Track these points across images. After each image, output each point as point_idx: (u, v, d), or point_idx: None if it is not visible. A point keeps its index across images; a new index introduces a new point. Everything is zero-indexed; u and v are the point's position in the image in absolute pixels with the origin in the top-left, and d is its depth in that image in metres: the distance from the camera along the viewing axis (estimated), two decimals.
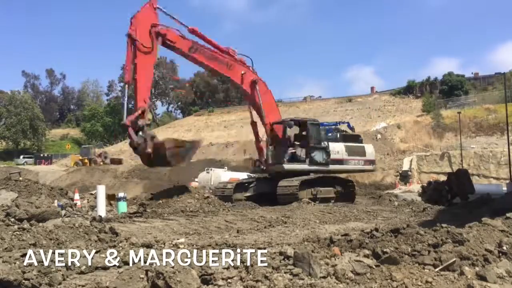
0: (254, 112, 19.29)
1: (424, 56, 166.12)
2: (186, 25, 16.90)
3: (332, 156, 18.94)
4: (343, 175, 20.76)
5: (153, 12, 15.96)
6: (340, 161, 19.41)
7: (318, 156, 18.56)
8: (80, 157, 48.22)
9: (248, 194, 18.59)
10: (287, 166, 17.86)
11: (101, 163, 46.64)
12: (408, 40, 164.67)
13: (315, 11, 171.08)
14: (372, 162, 21.20)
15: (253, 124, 19.59)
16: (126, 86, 16.12)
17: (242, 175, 24.46)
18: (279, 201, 16.42)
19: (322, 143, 18.87)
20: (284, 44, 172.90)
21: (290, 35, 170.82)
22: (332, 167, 19.04)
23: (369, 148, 21.28)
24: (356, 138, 21.58)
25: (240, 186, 18.90)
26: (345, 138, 21.15)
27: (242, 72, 18.06)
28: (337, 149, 19.39)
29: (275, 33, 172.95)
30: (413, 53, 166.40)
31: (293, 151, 18.37)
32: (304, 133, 19.22)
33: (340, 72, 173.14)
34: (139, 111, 14.51)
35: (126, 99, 16.07)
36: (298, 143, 18.84)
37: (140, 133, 14.35)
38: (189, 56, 17.05)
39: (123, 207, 13.56)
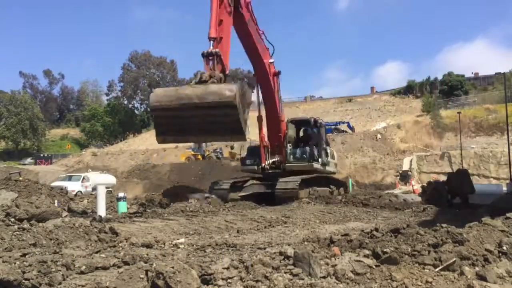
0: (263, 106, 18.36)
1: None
2: None
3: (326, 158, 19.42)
4: (336, 176, 21.39)
5: None
6: (328, 163, 19.97)
7: (324, 157, 18.99)
8: (193, 153, 47.03)
9: (243, 193, 18.28)
10: (315, 165, 18.14)
11: (216, 158, 45.08)
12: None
13: None
14: (337, 165, 22.23)
15: (260, 119, 18.58)
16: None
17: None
18: (277, 199, 16.35)
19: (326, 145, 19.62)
20: None
21: None
22: (326, 168, 19.54)
23: (335, 153, 22.48)
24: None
25: (235, 185, 18.67)
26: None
27: (271, 61, 17.14)
28: (328, 151, 20.02)
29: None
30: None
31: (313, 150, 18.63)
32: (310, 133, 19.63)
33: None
34: None
35: None
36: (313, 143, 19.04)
37: None
38: (243, 31, 15.37)
39: (123, 207, 13.57)
